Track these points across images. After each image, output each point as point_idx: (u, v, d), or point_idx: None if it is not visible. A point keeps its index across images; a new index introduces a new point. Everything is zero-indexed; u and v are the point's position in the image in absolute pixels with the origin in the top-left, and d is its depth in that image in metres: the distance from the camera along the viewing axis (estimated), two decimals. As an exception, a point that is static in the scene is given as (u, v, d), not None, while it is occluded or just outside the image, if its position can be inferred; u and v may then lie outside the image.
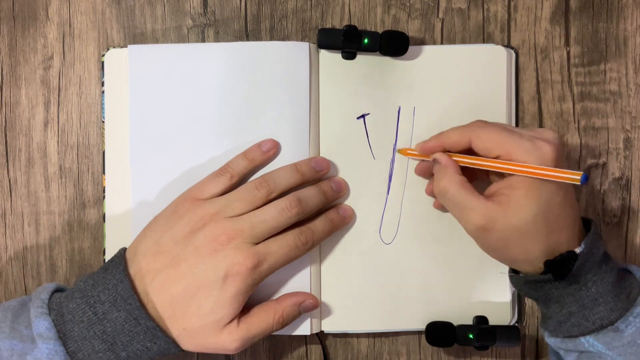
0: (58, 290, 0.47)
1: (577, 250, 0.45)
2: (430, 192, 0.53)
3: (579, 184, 0.42)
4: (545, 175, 0.43)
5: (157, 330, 0.45)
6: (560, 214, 0.45)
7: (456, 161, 0.48)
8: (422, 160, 0.52)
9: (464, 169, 0.48)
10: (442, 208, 0.53)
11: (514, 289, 0.53)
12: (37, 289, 0.47)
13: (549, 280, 0.45)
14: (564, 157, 0.47)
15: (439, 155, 0.48)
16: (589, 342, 0.45)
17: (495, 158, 0.46)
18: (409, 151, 0.52)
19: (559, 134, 0.46)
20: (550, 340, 0.49)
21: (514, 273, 0.49)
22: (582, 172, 0.42)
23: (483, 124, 0.47)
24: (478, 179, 0.50)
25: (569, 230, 0.45)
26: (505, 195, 0.45)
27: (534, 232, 0.44)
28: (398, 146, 0.53)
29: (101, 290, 0.45)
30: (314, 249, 0.51)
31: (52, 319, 0.44)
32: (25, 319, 0.45)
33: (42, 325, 0.44)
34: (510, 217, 0.44)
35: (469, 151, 0.48)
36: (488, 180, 0.50)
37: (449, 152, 0.49)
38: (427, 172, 0.52)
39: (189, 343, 0.46)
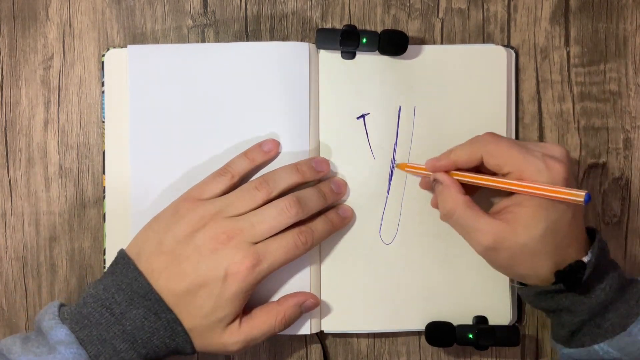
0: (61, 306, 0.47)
1: (585, 259, 0.45)
2: (436, 205, 0.52)
3: (584, 204, 0.42)
4: (547, 196, 0.43)
5: (177, 324, 0.45)
6: (568, 232, 0.45)
7: (462, 180, 0.47)
8: (423, 175, 0.51)
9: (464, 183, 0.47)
10: None
11: (513, 288, 0.53)
12: (39, 312, 0.46)
13: (559, 291, 0.45)
14: (573, 174, 0.47)
15: (440, 176, 0.48)
16: (603, 349, 0.45)
17: (505, 174, 0.45)
18: (407, 168, 0.52)
19: (566, 150, 0.46)
20: (564, 353, 0.48)
21: (522, 285, 0.49)
22: (585, 192, 0.42)
23: (494, 138, 0.47)
24: (478, 193, 0.50)
25: (576, 245, 0.45)
26: (513, 214, 0.45)
27: (542, 250, 0.44)
28: (398, 146, 0.53)
29: (115, 291, 0.45)
30: (314, 249, 0.51)
31: (68, 327, 0.44)
32: (34, 343, 0.44)
33: (60, 332, 0.44)
34: (518, 236, 0.44)
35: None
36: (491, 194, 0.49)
37: (460, 170, 0.48)
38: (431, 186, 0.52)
39: (196, 344, 0.47)
